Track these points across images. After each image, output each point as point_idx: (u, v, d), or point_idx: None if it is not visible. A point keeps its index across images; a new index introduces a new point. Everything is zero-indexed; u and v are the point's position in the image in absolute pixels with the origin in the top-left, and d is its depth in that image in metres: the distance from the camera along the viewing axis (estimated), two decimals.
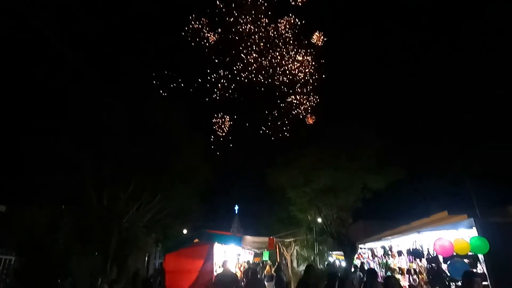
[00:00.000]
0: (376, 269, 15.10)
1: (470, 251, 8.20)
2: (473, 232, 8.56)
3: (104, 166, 8.40)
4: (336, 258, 17.81)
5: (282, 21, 18.95)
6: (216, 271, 14.86)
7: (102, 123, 7.99)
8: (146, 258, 17.31)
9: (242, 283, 11.05)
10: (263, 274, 13.37)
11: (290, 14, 19.33)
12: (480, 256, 8.43)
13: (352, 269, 12.16)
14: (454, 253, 8.31)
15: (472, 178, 11.97)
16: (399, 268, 12.48)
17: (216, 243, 15.69)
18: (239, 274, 16.52)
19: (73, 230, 7.88)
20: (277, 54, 18.74)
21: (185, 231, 16.98)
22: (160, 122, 8.96)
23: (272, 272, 13.42)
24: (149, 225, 11.11)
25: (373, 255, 15.50)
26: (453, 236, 8.67)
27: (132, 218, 9.69)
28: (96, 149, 8.14)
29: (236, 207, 37.41)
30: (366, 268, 14.08)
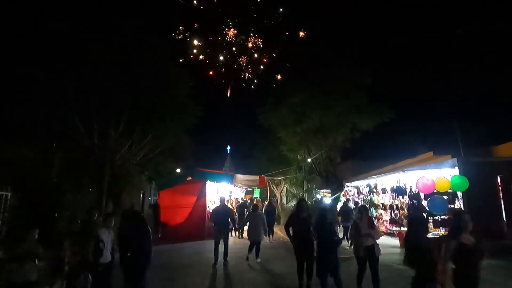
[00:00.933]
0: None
1: (450, 189, 8.64)
2: (456, 171, 8.93)
3: (90, 99, 8.19)
4: (324, 195, 18.66)
5: None
6: (208, 207, 15.58)
7: (84, 53, 7.59)
8: (141, 195, 17.90)
9: (235, 217, 11.63)
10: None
11: None
12: (459, 193, 8.91)
13: (353, 206, 12.91)
14: (435, 191, 8.75)
15: (458, 118, 12.14)
16: (382, 204, 13.19)
17: (208, 181, 16.21)
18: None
19: (65, 166, 7.94)
20: None
21: (178, 170, 17.35)
22: (145, 56, 8.59)
23: (265, 207, 14.09)
24: (142, 163, 11.27)
25: (359, 192, 16.26)
26: (436, 175, 9.04)
27: (125, 156, 9.78)
28: (80, 80, 7.84)
29: (228, 148, 37.90)
30: (351, 204, 14.86)
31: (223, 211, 9.24)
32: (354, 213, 11.94)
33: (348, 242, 12.86)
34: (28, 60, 7.45)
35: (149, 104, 9.05)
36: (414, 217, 6.14)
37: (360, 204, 11.52)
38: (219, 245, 8.72)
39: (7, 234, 6.44)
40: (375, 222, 13.75)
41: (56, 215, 6.77)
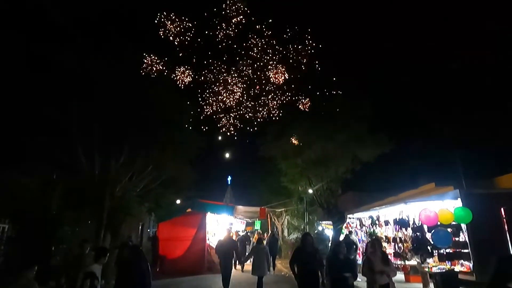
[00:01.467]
0: (363, 237, 15.65)
1: (453, 221, 8.51)
2: (458, 202, 8.83)
3: (93, 131, 8.31)
4: (325, 227, 18.35)
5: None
6: (208, 239, 15.29)
7: (88, 86, 7.79)
8: (140, 227, 17.63)
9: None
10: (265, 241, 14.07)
11: None
12: (463, 226, 8.76)
13: (355, 238, 12.95)
14: (439, 223, 8.60)
15: (460, 149, 12.18)
16: (386, 236, 12.91)
17: (208, 212, 16.03)
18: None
19: (65, 197, 7.91)
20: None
21: (178, 201, 17.21)
22: (148, 90, 8.81)
23: (267, 238, 14.05)
24: (142, 194, 11.21)
25: (361, 225, 15.96)
26: (438, 207, 8.94)
27: (125, 187, 9.75)
28: (84, 112, 7.98)
29: (229, 178, 37.74)
30: (354, 237, 14.61)
31: (228, 245, 9.45)
32: (355, 247, 11.77)
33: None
34: (32, 93, 7.63)
35: (151, 135, 9.16)
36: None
37: (373, 237, 11.29)
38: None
39: (3, 267, 6.32)
40: (390, 257, 13.42)
41: (53, 248, 6.65)
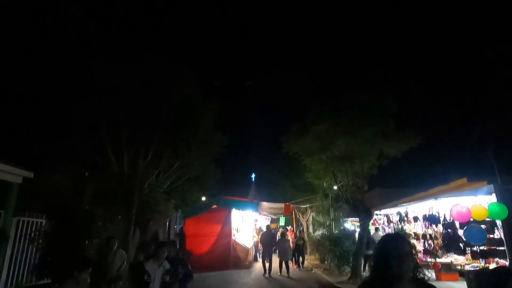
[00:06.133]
0: None
1: (488, 217, 8.14)
2: (492, 198, 8.45)
3: (121, 132, 8.60)
4: (352, 224, 18.09)
5: None
6: (234, 235, 15.47)
7: (115, 88, 8.04)
8: (167, 223, 18.05)
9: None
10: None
11: None
12: (498, 222, 8.37)
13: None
14: (471, 219, 8.27)
15: (493, 141, 11.60)
16: (415, 233, 12.59)
17: (233, 209, 16.21)
18: (256, 238, 17.14)
19: (96, 195, 8.24)
20: None
21: (203, 198, 17.48)
22: (173, 89, 8.97)
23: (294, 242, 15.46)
24: (169, 191, 11.47)
25: (389, 221, 15.63)
26: (471, 202, 8.59)
27: (152, 184, 10.02)
28: (113, 115, 8.28)
29: (253, 175, 37.87)
30: (381, 233, 14.30)
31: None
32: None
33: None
34: (62, 96, 8.00)
35: (177, 134, 9.35)
36: None
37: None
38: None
39: (41, 259, 6.68)
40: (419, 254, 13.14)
41: (87, 242, 6.95)
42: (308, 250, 17.21)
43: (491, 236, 8.46)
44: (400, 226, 14.21)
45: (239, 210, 17.12)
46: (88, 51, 8.36)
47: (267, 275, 12.76)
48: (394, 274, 1.85)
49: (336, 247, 12.46)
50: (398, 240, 1.98)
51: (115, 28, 10.23)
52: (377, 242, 2.21)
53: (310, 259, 17.44)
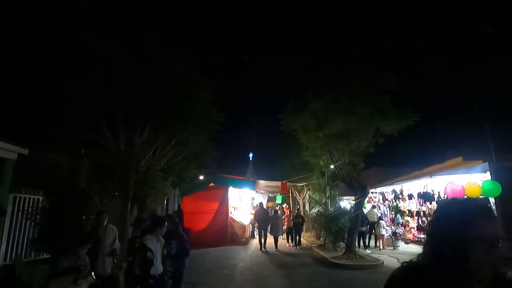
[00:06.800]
0: (386, 211, 15.56)
1: (481, 194, 8.26)
2: (486, 176, 8.54)
3: (117, 108, 8.51)
4: (348, 202, 18.33)
5: None
6: (231, 213, 15.67)
7: (111, 64, 7.87)
8: (165, 201, 18.21)
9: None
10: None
11: None
12: (491, 200, 8.50)
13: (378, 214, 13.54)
14: (465, 196, 8.38)
15: (488, 120, 11.61)
16: (409, 210, 12.80)
17: (230, 187, 16.34)
18: (253, 215, 17.41)
19: (93, 172, 8.23)
20: None
21: (201, 177, 17.57)
22: (169, 65, 8.80)
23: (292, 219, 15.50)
24: (166, 169, 11.48)
25: (384, 199, 15.85)
26: (465, 180, 8.68)
27: (149, 161, 10.02)
28: (108, 91, 8.16)
29: (251, 155, 38.02)
30: (376, 211, 14.54)
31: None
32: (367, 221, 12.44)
33: (365, 248, 12.62)
34: (57, 71, 7.83)
35: (173, 112, 9.26)
36: None
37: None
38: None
39: (39, 234, 6.74)
40: (401, 229, 13.37)
41: (83, 217, 6.99)
42: (304, 227, 17.50)
43: None
44: (395, 204, 14.43)
45: (236, 188, 17.26)
46: (82, 23, 8.15)
47: (263, 249, 13.18)
48: (477, 272, 1.07)
49: (331, 224, 12.67)
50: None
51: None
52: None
53: (306, 236, 17.77)
